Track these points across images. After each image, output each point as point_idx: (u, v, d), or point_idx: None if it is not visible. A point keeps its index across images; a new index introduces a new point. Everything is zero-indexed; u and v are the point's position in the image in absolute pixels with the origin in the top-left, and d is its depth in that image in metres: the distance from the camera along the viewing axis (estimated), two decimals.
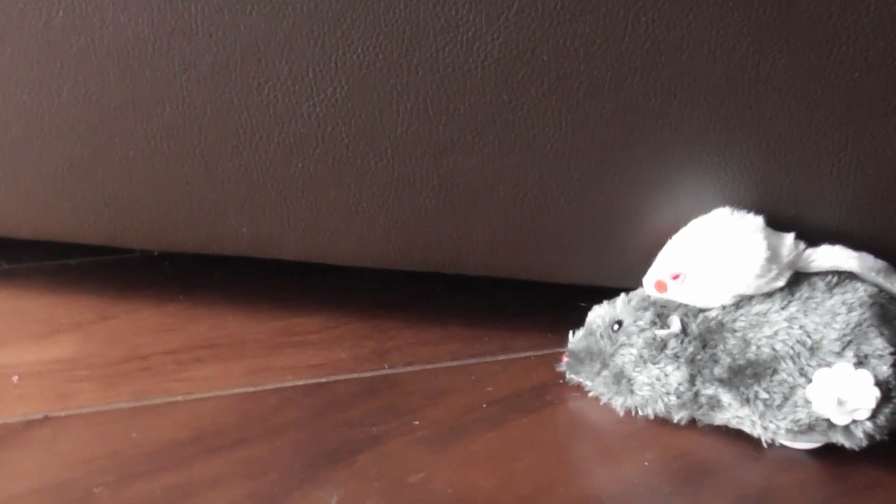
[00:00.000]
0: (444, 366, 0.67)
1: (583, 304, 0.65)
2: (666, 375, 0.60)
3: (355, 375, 0.66)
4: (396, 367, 0.67)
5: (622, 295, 0.64)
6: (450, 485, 0.57)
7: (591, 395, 0.63)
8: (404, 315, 0.72)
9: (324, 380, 0.65)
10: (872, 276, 0.59)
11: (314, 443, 0.60)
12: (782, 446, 0.60)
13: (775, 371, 0.58)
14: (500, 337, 0.70)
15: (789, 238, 0.59)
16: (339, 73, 0.57)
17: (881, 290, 0.59)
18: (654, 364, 0.60)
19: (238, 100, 0.59)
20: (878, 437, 0.57)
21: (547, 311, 0.72)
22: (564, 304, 0.67)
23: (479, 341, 0.70)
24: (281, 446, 0.59)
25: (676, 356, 0.60)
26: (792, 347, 0.58)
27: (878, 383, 0.56)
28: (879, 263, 0.59)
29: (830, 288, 0.59)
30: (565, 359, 0.64)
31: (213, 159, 0.61)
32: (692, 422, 0.61)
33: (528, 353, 0.69)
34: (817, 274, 0.59)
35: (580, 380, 0.64)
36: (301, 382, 0.65)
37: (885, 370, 0.56)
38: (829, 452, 0.60)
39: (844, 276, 0.59)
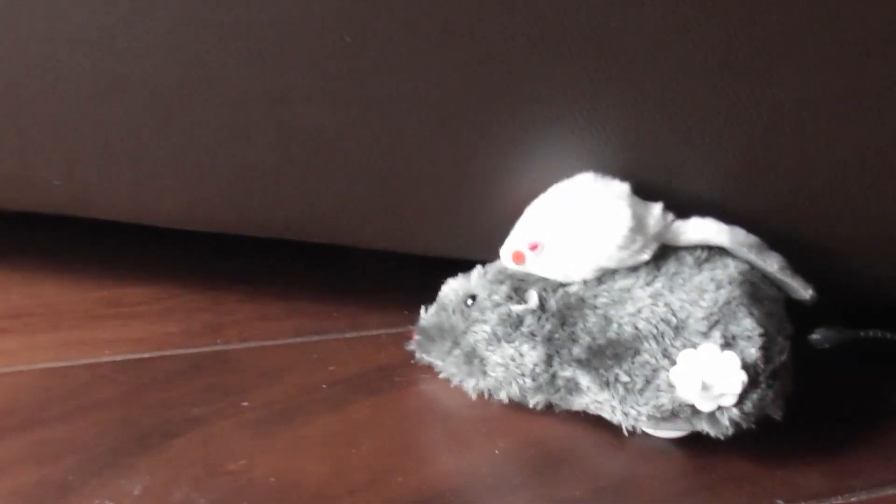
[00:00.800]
0: (284, 342, 0.62)
1: (444, 280, 0.61)
2: (521, 355, 0.56)
3: (183, 351, 0.60)
4: (231, 343, 0.62)
5: (478, 267, 0.60)
6: (274, 473, 0.52)
7: (441, 376, 0.59)
8: (246, 288, 0.68)
9: (146, 355, 0.60)
10: (744, 252, 0.56)
11: (124, 425, 0.54)
12: (644, 435, 0.56)
13: (637, 352, 0.54)
14: (351, 313, 0.66)
15: (657, 208, 0.56)
16: (159, 3, 0.52)
17: (752, 267, 0.56)
18: (509, 343, 0.56)
19: (41, 28, 0.53)
20: (744, 424, 0.53)
21: (405, 286, 0.68)
22: (424, 279, 0.62)
23: (327, 317, 0.66)
24: (84, 428, 0.53)
25: (533, 334, 0.56)
26: (656, 326, 0.54)
27: (746, 367, 0.52)
28: (752, 239, 0.56)
29: (699, 263, 0.56)
30: (415, 337, 0.60)
31: (16, 99, 0.55)
32: (549, 407, 0.57)
33: (379, 331, 0.65)
34: (686, 248, 0.56)
35: (431, 360, 0.60)
36: (119, 358, 0.59)
37: (753, 353, 0.53)
38: (695, 442, 0.56)
39: (715, 252, 0.56)
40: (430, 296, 0.61)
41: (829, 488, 0.56)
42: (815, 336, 0.59)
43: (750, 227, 0.57)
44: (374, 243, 0.62)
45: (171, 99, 0.55)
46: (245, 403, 0.56)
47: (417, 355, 0.60)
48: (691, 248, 0.56)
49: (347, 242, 0.62)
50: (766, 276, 0.57)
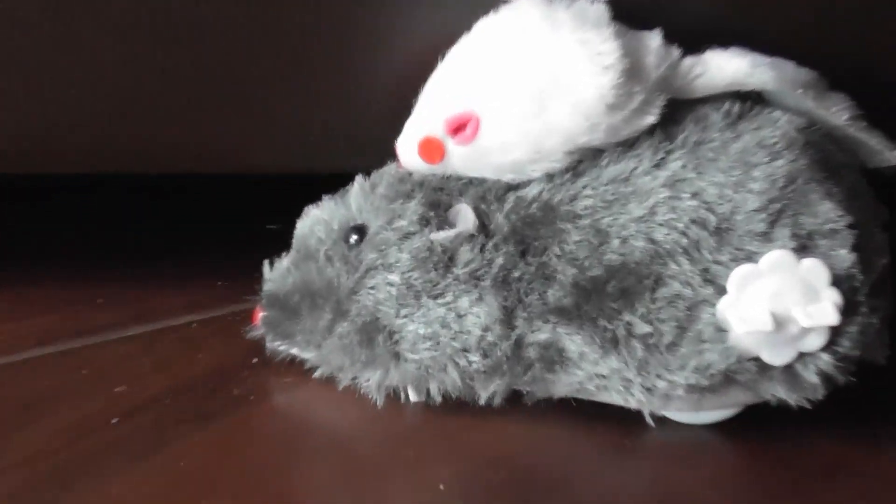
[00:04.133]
0: (26, 357, 0.42)
1: (273, 226, 0.43)
2: (460, 317, 0.38)
3: None
4: None
5: (358, 180, 0.40)
6: None
7: (318, 374, 0.40)
8: None
9: None
10: (796, 98, 0.38)
11: None
12: (675, 427, 0.39)
13: (659, 280, 0.36)
14: (129, 297, 0.48)
15: (655, 39, 0.37)
16: None
17: (812, 121, 0.38)
18: (436, 298, 0.38)
19: None
20: (840, 378, 0.36)
21: (210, 244, 0.52)
22: (240, 230, 0.48)
23: (91, 309, 0.47)
24: None
25: (476, 278, 0.37)
26: (684, 233, 0.36)
27: (837, 281, 0.35)
28: (806, 74, 0.38)
29: (733, 122, 0.37)
30: (260, 313, 0.41)
31: None
32: (515, 399, 0.39)
33: (183, 319, 0.46)
34: (706, 102, 0.38)
35: (294, 350, 0.41)
36: None
37: (844, 257, 0.35)
38: (754, 424, 0.39)
39: (751, 102, 0.38)
40: (259, 251, 0.42)
41: None
42: None
43: (796, 59, 0.39)
44: (193, 165, 0.43)
45: None
46: None
47: (269, 345, 0.41)
48: (715, 101, 0.38)
49: (166, 169, 0.43)
50: (831, 135, 0.39)
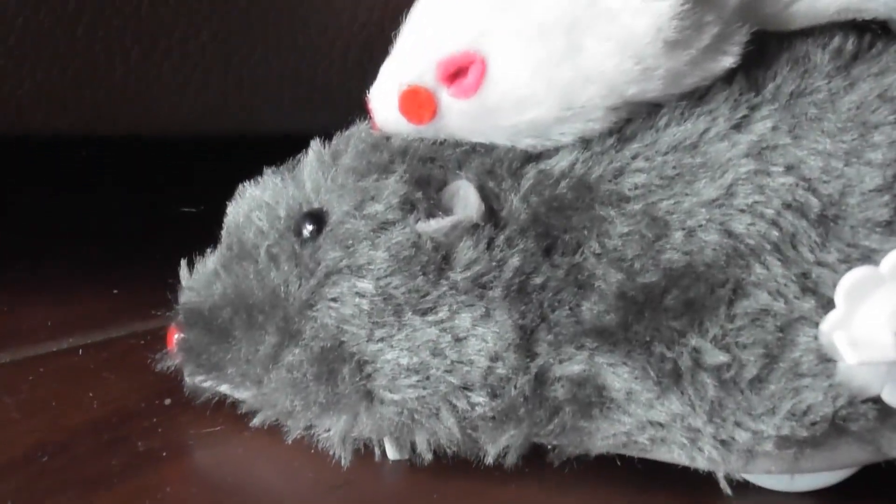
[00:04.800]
0: None
1: (190, 209, 0.37)
2: (458, 340, 0.29)
3: None
4: None
5: (314, 145, 0.31)
6: None
7: (256, 422, 0.30)
8: None
9: None
10: None
11: None
12: (763, 495, 0.31)
13: (739, 290, 0.28)
14: None
15: None
16: None
17: None
18: (424, 315, 0.30)
19: None
20: None
21: (105, 237, 0.41)
22: (149, 219, 0.39)
23: None
24: None
25: (480, 286, 0.29)
26: (775, 223, 0.29)
27: None
28: None
29: (846, 66, 0.29)
30: (176, 336, 0.31)
31: None
32: (536, 457, 0.30)
33: (67, 343, 0.35)
34: (808, 37, 0.30)
35: (222, 387, 0.31)
36: None
37: None
38: (868, 496, 0.31)
39: (870, 36, 0.30)
40: (167, 248, 0.32)
41: None
42: None
43: None
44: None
45: None
46: None
47: (188, 378, 0.31)
48: (818, 36, 0.30)
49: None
50: None
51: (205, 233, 0.32)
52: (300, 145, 0.32)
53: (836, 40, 0.30)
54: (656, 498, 0.31)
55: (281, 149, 0.32)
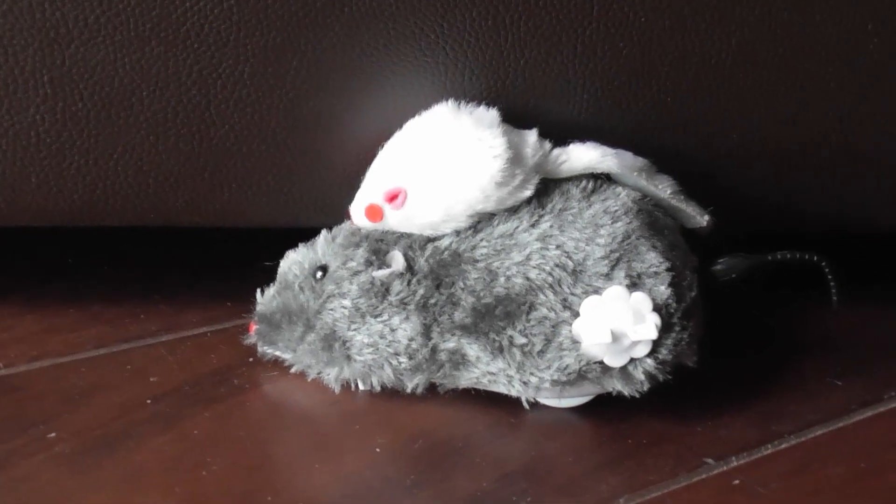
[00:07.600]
0: (85, 357, 0.55)
1: (268, 263, 0.56)
2: (392, 330, 0.51)
3: None
4: (16, 366, 0.54)
5: (323, 232, 0.54)
6: None
7: (293, 370, 0.54)
8: (22, 296, 0.60)
9: None
10: (634, 178, 0.53)
11: None
12: (545, 408, 0.53)
13: (532, 307, 0.51)
14: (162, 312, 0.60)
15: (532, 135, 0.52)
16: None
17: (645, 195, 0.54)
18: (376, 317, 0.51)
19: None
20: (660, 376, 0.51)
21: (222, 274, 0.64)
22: (244, 265, 0.58)
23: (133, 320, 0.59)
24: None
25: (404, 303, 0.51)
26: (550, 273, 0.51)
27: (657, 308, 0.50)
28: (640, 161, 0.53)
29: (587, 195, 0.53)
30: (254, 326, 0.54)
31: None
32: (431, 389, 0.53)
33: (202, 329, 0.59)
34: (569, 180, 0.53)
35: (277, 353, 0.54)
36: None
37: (663, 291, 0.51)
38: (602, 408, 0.54)
39: (601, 181, 0.54)
40: (254, 282, 0.55)
41: (756, 438, 0.54)
42: (719, 266, 0.56)
43: (634, 149, 0.54)
44: (189, 219, 0.55)
45: None
46: (52, 435, 0.49)
47: (260, 349, 0.55)
48: (575, 180, 0.53)
49: (155, 222, 0.55)
50: (658, 204, 0.55)
51: (270, 276, 0.55)
52: (316, 231, 0.55)
53: (584, 182, 0.53)
54: (490, 408, 0.53)
55: (307, 233, 0.55)
